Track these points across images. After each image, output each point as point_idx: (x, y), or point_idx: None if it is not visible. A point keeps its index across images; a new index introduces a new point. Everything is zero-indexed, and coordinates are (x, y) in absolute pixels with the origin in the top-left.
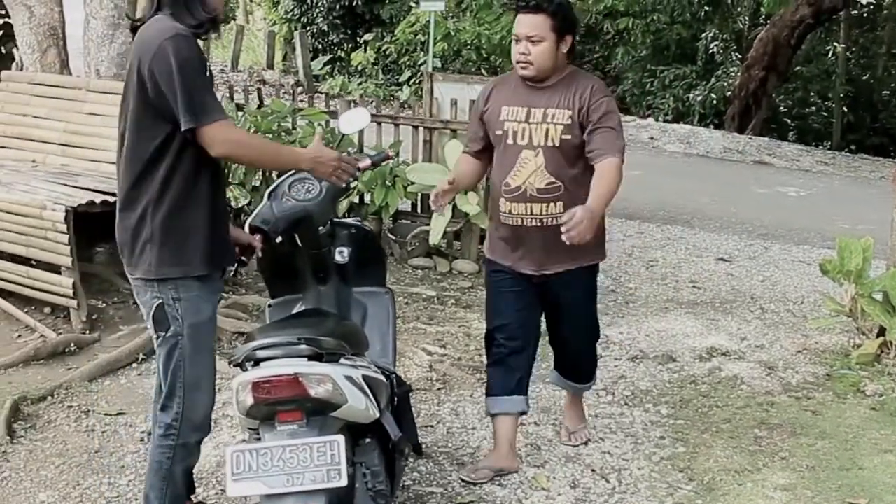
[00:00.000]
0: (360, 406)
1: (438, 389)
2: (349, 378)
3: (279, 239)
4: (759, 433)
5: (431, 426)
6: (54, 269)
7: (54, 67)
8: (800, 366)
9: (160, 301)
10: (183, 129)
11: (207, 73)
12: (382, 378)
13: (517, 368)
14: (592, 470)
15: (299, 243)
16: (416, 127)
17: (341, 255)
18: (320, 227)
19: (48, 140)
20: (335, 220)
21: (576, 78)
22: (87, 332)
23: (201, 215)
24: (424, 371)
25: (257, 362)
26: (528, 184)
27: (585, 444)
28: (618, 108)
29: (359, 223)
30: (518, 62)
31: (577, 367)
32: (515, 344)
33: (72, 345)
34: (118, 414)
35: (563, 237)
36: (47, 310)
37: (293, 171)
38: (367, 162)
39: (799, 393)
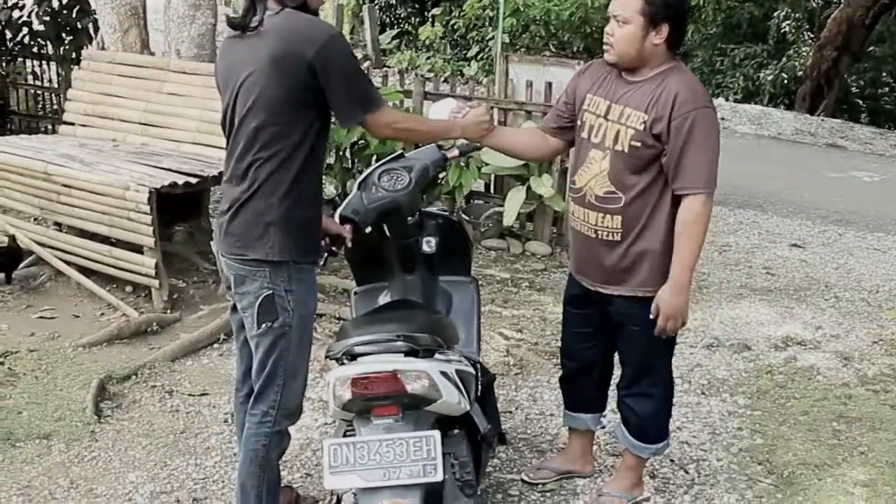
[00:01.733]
0: (453, 401)
1: (516, 374)
2: (444, 373)
3: (368, 229)
4: (837, 427)
5: (510, 412)
6: (136, 248)
7: (135, 47)
8: (876, 357)
9: (270, 292)
10: (352, 122)
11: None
12: (472, 370)
13: (581, 388)
14: (671, 460)
15: (387, 233)
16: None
17: (428, 244)
18: (408, 218)
19: (129, 119)
20: (423, 210)
21: (669, 77)
22: (169, 311)
23: (318, 204)
24: (501, 356)
25: (354, 357)
26: (589, 188)
27: None
28: (715, 125)
29: (446, 213)
30: (604, 44)
31: (636, 415)
32: (574, 365)
33: (154, 324)
34: (202, 395)
35: (656, 334)
36: (129, 288)
37: (382, 162)
38: (456, 153)
39: (876, 386)
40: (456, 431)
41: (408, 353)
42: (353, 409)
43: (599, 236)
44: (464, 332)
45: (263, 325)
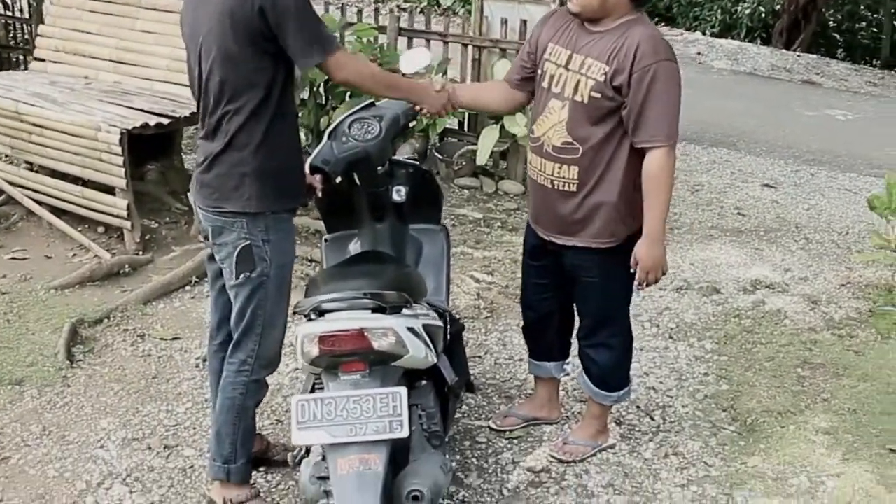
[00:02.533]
0: (420, 355)
1: (486, 318)
2: (411, 329)
3: (338, 179)
4: (801, 373)
5: (479, 357)
6: (108, 189)
7: None
8: (843, 300)
9: (248, 242)
10: (309, 63)
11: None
12: (439, 323)
13: (543, 337)
14: (637, 406)
15: (357, 182)
16: (465, 45)
17: (398, 193)
18: (379, 167)
19: (100, 56)
20: (393, 159)
21: (631, 29)
22: (141, 252)
23: (294, 151)
24: (472, 299)
25: (322, 313)
26: (547, 137)
27: (571, 462)
28: (676, 78)
29: (416, 162)
30: None
31: (596, 364)
32: (534, 315)
33: (126, 266)
34: (173, 339)
35: (636, 287)
36: (101, 229)
37: (353, 111)
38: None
39: (842, 330)
40: (423, 383)
41: (375, 310)
42: (321, 364)
43: (556, 186)
44: (433, 281)
45: (242, 276)
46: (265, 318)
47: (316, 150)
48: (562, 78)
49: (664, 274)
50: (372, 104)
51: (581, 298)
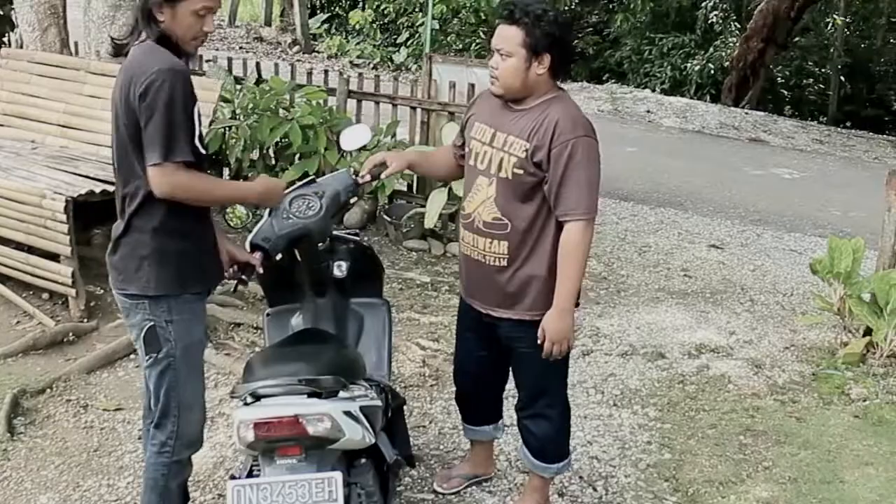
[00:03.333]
0: (357, 437)
1: (431, 386)
2: (347, 412)
3: (279, 256)
4: (744, 440)
5: (424, 426)
6: (53, 256)
7: (54, 47)
8: (787, 364)
9: (152, 323)
10: (148, 159)
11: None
12: (378, 403)
13: (479, 404)
14: (580, 477)
15: (298, 258)
16: (413, 108)
17: (339, 269)
18: (319, 244)
19: (47, 121)
20: (334, 234)
21: (551, 106)
22: (85, 320)
23: (201, 235)
24: (418, 366)
25: (258, 397)
26: (478, 213)
27: None
28: (595, 154)
29: (356, 238)
30: (490, 77)
31: (535, 436)
32: (470, 383)
33: (70, 334)
34: (116, 409)
35: (543, 356)
36: (45, 295)
37: (294, 188)
38: (368, 178)
39: (785, 395)
40: (363, 461)
41: (311, 395)
42: (257, 448)
43: (488, 261)
44: (375, 356)
45: (150, 357)
46: (179, 400)
47: (256, 228)
48: (486, 155)
49: (570, 349)
50: (313, 180)
51: (518, 370)
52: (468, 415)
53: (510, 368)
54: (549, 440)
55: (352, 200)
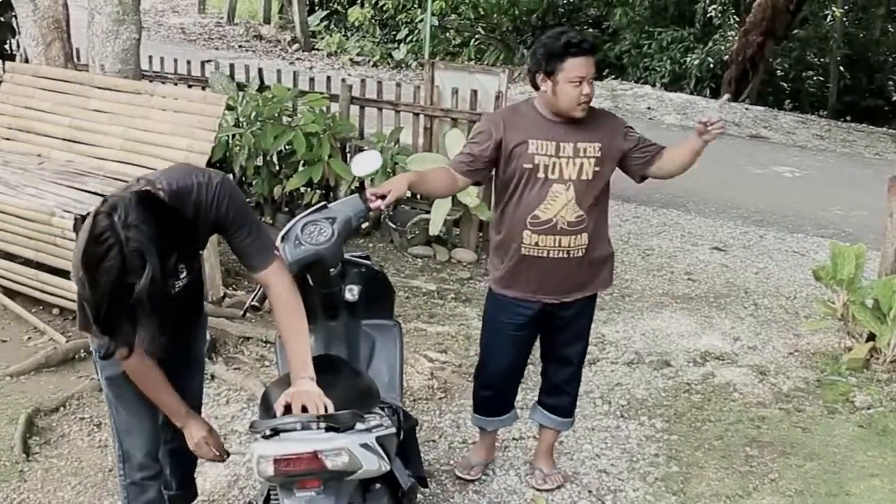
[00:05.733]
0: (373, 467)
1: (440, 399)
2: (364, 445)
3: None
4: (750, 451)
5: (433, 441)
6: (62, 272)
7: (58, 61)
8: (791, 370)
9: (92, 349)
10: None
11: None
12: (392, 430)
13: (507, 392)
14: (589, 491)
15: (310, 283)
16: (416, 114)
17: (351, 293)
18: (331, 269)
19: (53, 135)
20: (345, 259)
21: (594, 112)
22: None
23: None
24: (426, 379)
25: (276, 432)
26: (560, 217)
27: (559, 487)
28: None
29: (368, 262)
30: (581, 104)
31: (565, 393)
32: (512, 379)
33: (81, 350)
34: None
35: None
36: (55, 311)
37: (305, 214)
38: (379, 203)
39: (789, 404)
40: (377, 486)
41: (328, 428)
42: (276, 482)
43: (571, 255)
44: (386, 377)
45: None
46: (117, 424)
47: None
48: (556, 165)
49: None
50: (324, 206)
51: (569, 344)
52: (495, 407)
53: (548, 349)
54: (576, 397)
55: (363, 225)
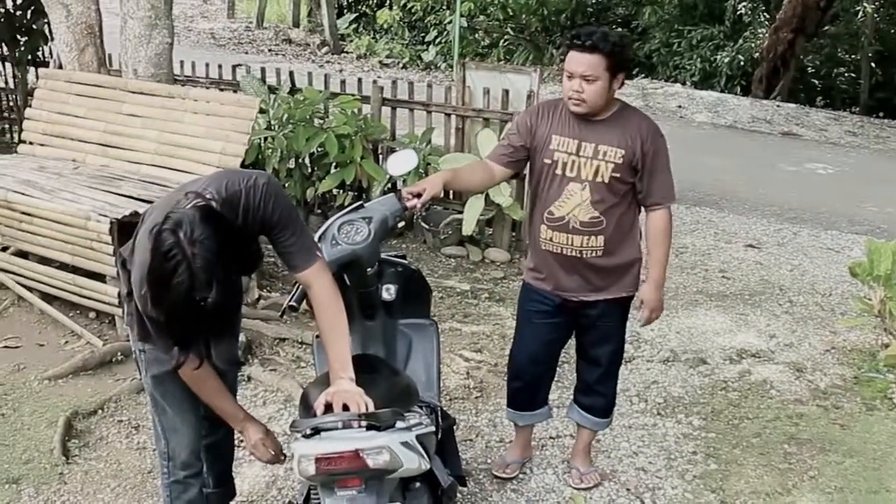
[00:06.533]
0: (413, 466)
1: (476, 398)
2: (405, 444)
3: None
4: (788, 449)
5: (470, 440)
6: (99, 276)
7: (92, 66)
8: (828, 367)
9: (134, 348)
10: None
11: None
12: (431, 428)
13: (541, 387)
14: (628, 489)
15: (348, 282)
16: (448, 115)
17: (388, 292)
18: (368, 269)
19: (88, 140)
20: (382, 258)
21: (628, 115)
22: None
23: None
24: (462, 378)
25: (318, 431)
26: (573, 216)
27: (597, 486)
28: (666, 144)
29: (405, 261)
30: (570, 99)
31: (599, 393)
32: (540, 370)
33: (118, 353)
34: None
35: (640, 325)
36: (92, 315)
37: (341, 214)
38: (416, 202)
39: (827, 401)
40: (417, 485)
41: (369, 427)
42: (317, 481)
43: (585, 255)
44: (424, 376)
45: (138, 378)
46: (163, 423)
47: None
48: (575, 164)
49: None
50: (361, 206)
51: (598, 345)
52: (528, 402)
53: (579, 347)
54: (612, 398)
55: (399, 224)
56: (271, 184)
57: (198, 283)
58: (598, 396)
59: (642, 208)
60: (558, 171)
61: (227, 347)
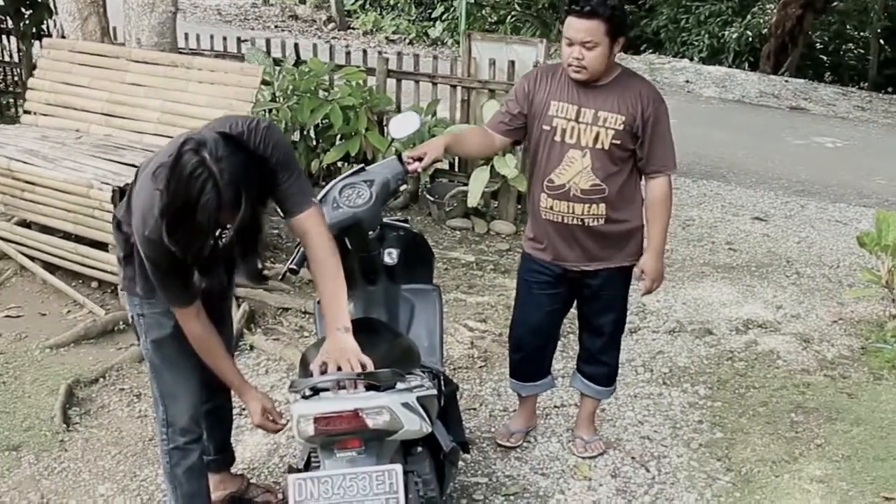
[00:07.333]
0: (414, 428)
1: (480, 367)
2: (405, 404)
3: None
4: (795, 418)
5: (474, 409)
6: (101, 245)
7: (95, 35)
8: (835, 338)
9: (131, 315)
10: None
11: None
12: (433, 391)
13: (544, 357)
14: (633, 458)
15: (349, 246)
16: (453, 86)
17: (390, 256)
18: (370, 232)
19: (91, 109)
20: (384, 222)
21: (628, 81)
22: None
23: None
24: (466, 348)
25: (317, 391)
26: (573, 183)
27: (601, 454)
28: (667, 110)
29: (407, 225)
30: (570, 65)
31: (602, 363)
32: (541, 340)
33: (120, 322)
34: None
35: (642, 295)
36: (94, 284)
37: (343, 177)
38: (417, 165)
39: (835, 371)
40: (419, 449)
41: (369, 387)
42: (317, 442)
43: (586, 223)
44: (426, 342)
45: (135, 345)
46: (162, 388)
47: None
48: (574, 130)
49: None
50: (362, 169)
51: (599, 314)
52: (530, 373)
53: (581, 317)
54: (615, 366)
55: (401, 188)
56: (272, 127)
57: (226, 200)
58: (601, 365)
59: (643, 176)
60: (557, 138)
61: (250, 265)
